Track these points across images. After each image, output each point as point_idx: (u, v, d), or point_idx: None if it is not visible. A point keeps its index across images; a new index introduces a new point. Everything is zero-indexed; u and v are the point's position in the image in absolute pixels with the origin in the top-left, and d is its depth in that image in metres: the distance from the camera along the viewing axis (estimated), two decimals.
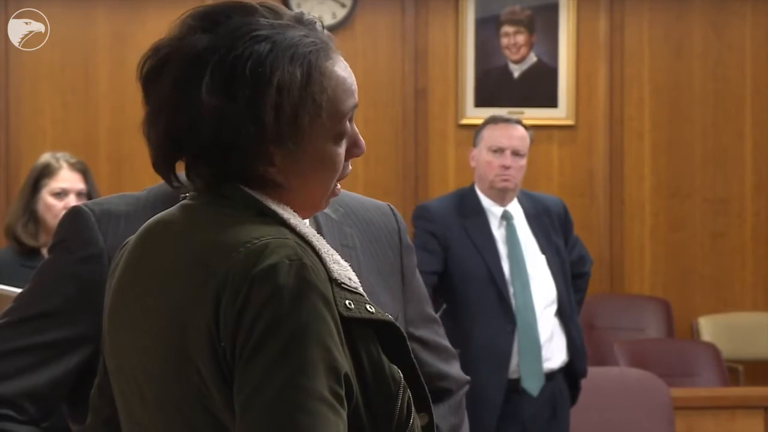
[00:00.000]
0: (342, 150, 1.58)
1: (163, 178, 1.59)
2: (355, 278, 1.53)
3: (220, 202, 1.54)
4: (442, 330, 2.11)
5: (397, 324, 1.54)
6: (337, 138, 1.57)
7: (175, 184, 1.58)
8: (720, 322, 7.00)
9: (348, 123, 1.59)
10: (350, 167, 1.62)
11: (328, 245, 1.54)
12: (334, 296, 1.46)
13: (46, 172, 4.14)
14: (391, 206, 2.05)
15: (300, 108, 1.52)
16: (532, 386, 4.36)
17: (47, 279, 1.92)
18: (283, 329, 1.41)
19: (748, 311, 7.13)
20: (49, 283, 1.91)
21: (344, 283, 1.49)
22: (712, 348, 6.23)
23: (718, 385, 5.96)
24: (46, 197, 4.11)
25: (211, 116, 1.49)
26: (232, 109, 1.49)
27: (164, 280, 1.52)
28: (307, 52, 1.53)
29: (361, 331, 1.49)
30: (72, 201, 4.09)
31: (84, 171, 4.19)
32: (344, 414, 1.43)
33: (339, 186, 1.62)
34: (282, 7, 1.59)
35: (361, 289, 1.52)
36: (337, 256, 1.53)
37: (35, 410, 1.90)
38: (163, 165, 1.57)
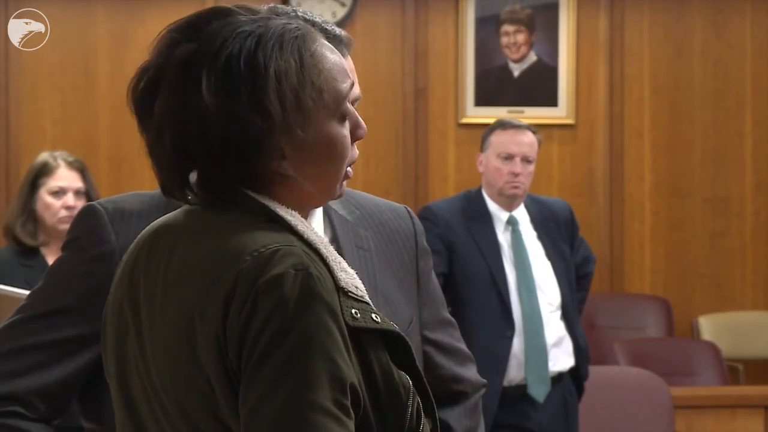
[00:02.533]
0: (347, 131, 1.58)
1: (177, 196, 1.57)
2: (361, 286, 1.52)
3: (228, 207, 1.53)
4: (458, 333, 2.11)
5: (402, 333, 1.53)
6: (341, 119, 1.57)
7: (191, 198, 1.57)
8: (720, 321, 7.00)
9: (349, 104, 1.58)
10: (357, 151, 1.62)
11: (336, 252, 1.53)
12: (341, 305, 1.46)
13: (43, 171, 4.14)
14: (408, 209, 2.05)
15: (300, 92, 1.52)
16: (538, 392, 4.34)
17: (60, 277, 1.93)
18: (286, 341, 1.41)
19: (748, 310, 7.13)
20: (61, 281, 1.92)
21: (351, 292, 1.49)
22: (712, 347, 6.23)
23: (718, 384, 5.96)
24: (44, 196, 4.11)
25: (217, 117, 1.48)
26: (236, 106, 1.49)
27: (172, 285, 1.52)
28: (293, 37, 1.53)
29: (370, 340, 1.49)
30: (70, 200, 4.09)
31: (82, 169, 4.18)
32: (350, 424, 1.42)
33: (350, 170, 1.62)
34: (255, 5, 1.59)
35: (367, 298, 1.51)
36: (345, 264, 1.52)
37: (46, 408, 1.90)
38: (175, 180, 1.56)
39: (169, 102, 1.51)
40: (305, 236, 1.51)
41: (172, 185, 1.57)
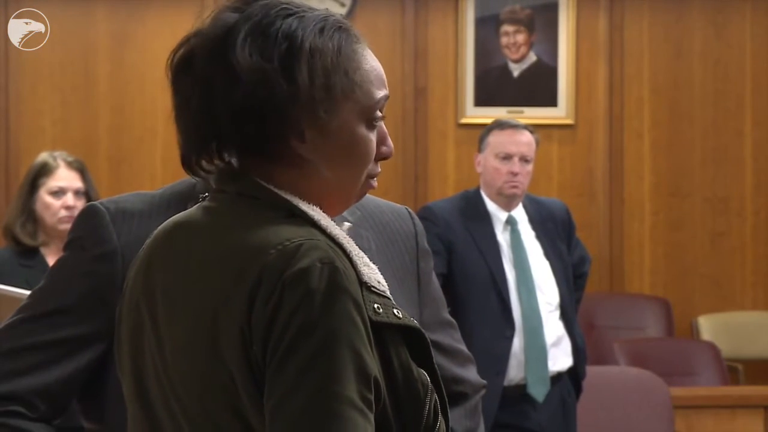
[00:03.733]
0: (374, 138, 1.58)
1: (194, 167, 1.57)
2: (383, 281, 1.52)
3: (247, 202, 1.54)
4: (458, 334, 2.11)
5: (422, 330, 1.53)
6: (369, 123, 1.57)
7: (202, 174, 1.57)
8: (720, 321, 7.00)
9: (380, 114, 1.59)
10: (379, 168, 1.61)
11: (358, 248, 1.53)
12: (363, 300, 1.46)
13: (43, 171, 4.14)
14: (409, 210, 2.05)
15: (332, 74, 1.53)
16: (538, 392, 4.34)
17: (61, 277, 1.93)
18: (314, 334, 1.41)
19: (747, 310, 7.14)
20: (62, 281, 1.92)
21: (373, 287, 1.49)
22: (711, 347, 6.23)
23: (718, 384, 5.96)
24: (44, 196, 4.11)
25: (246, 75, 1.49)
26: (266, 68, 1.50)
27: (193, 282, 1.52)
28: (335, 27, 1.55)
29: (391, 336, 1.49)
30: (70, 200, 4.09)
31: (81, 169, 4.19)
32: (372, 417, 1.43)
33: (375, 183, 1.61)
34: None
35: (388, 293, 1.52)
36: (367, 259, 1.52)
37: (46, 407, 1.90)
38: (194, 148, 1.56)
39: (203, 62, 1.53)
40: (328, 231, 1.51)
41: (190, 153, 1.56)
